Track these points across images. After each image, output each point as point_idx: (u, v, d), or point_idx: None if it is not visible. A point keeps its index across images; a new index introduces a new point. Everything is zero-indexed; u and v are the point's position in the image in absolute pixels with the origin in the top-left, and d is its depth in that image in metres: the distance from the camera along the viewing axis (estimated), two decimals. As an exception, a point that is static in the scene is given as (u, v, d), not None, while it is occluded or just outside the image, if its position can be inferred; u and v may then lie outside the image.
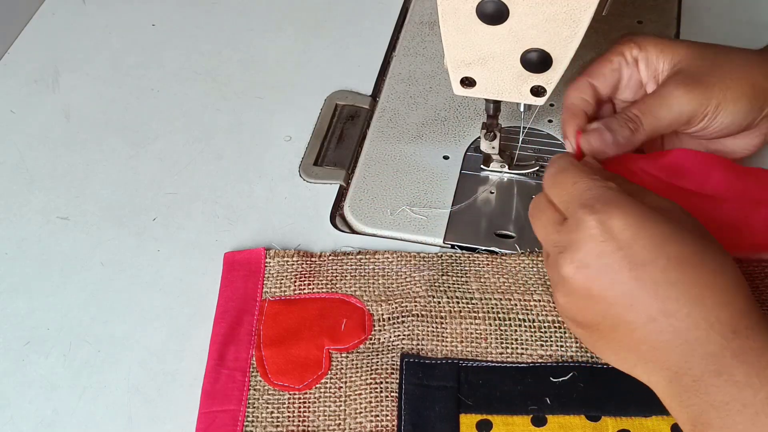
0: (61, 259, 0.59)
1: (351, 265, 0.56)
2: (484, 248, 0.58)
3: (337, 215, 0.61)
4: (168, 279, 0.58)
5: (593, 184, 0.46)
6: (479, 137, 0.61)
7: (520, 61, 0.52)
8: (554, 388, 0.49)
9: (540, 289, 0.54)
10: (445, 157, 0.63)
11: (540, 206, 0.49)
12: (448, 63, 0.54)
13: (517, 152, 0.62)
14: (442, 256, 0.56)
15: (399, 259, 0.56)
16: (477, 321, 0.52)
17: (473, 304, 0.53)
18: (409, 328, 0.52)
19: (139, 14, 0.76)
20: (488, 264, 0.55)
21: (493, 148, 0.60)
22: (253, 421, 0.49)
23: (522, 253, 0.56)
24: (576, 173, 0.47)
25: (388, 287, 0.55)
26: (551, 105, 0.66)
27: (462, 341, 0.52)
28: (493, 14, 0.49)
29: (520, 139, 0.62)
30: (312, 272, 0.55)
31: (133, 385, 0.52)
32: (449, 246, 0.58)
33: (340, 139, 0.66)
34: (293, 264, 0.56)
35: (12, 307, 0.57)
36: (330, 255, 0.57)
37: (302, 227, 0.60)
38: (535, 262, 0.55)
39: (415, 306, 0.53)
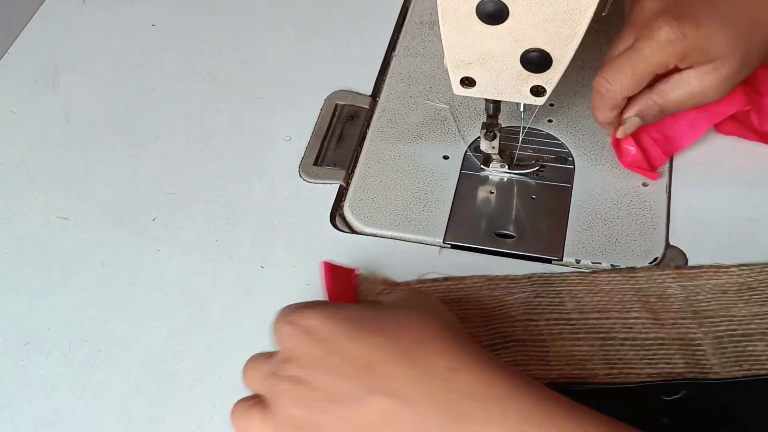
0: (61, 259, 0.59)
1: (440, 293, 0.54)
2: (484, 248, 0.58)
3: (337, 215, 0.61)
4: (168, 279, 0.58)
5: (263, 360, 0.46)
6: (479, 137, 0.61)
7: (519, 61, 0.52)
8: (667, 408, 0.47)
9: (637, 305, 0.52)
10: (445, 157, 0.63)
11: (241, 404, 0.45)
12: (447, 63, 0.54)
13: (517, 152, 0.62)
14: (531, 277, 0.54)
15: (488, 283, 0.54)
16: (579, 342, 0.51)
17: (572, 324, 0.51)
18: (512, 354, 0.50)
19: (139, 14, 0.76)
20: (580, 282, 0.54)
21: (493, 148, 0.60)
22: None
23: (613, 269, 0.55)
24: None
25: (482, 313, 0.53)
26: (551, 105, 0.66)
27: (568, 363, 0.50)
28: (493, 14, 0.49)
29: (520, 139, 0.62)
30: None
31: (133, 385, 0.52)
32: (449, 246, 0.58)
33: (340, 139, 0.66)
34: (380, 292, 0.53)
35: (12, 307, 0.57)
36: (416, 282, 0.55)
37: (302, 227, 0.60)
38: (627, 278, 0.53)
39: (514, 331, 0.51)
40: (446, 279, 0.55)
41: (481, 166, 0.62)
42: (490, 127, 0.59)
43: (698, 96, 0.55)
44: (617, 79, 0.55)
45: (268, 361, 0.45)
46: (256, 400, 0.44)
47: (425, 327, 0.43)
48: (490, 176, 0.62)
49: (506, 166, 0.62)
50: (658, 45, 0.53)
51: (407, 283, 0.55)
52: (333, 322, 0.43)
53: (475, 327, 0.52)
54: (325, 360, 0.42)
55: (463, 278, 0.55)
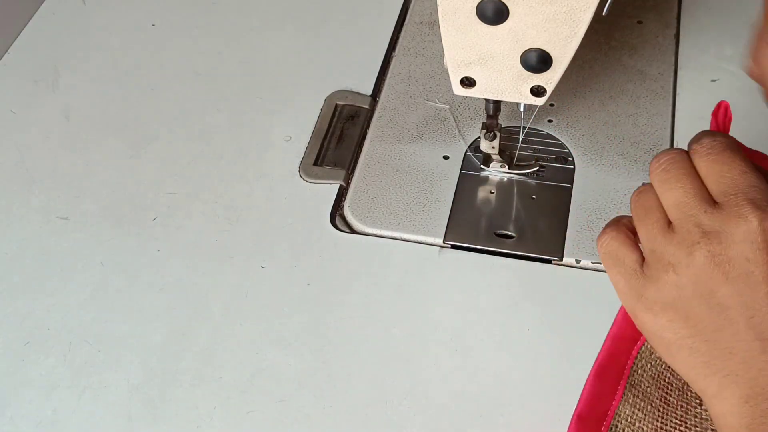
0: (61, 259, 0.59)
1: None
2: (484, 248, 0.58)
3: (337, 215, 0.61)
4: (168, 279, 0.58)
5: (764, 186, 0.42)
6: (479, 137, 0.61)
7: (520, 61, 0.52)
8: None
9: None
10: (445, 157, 0.63)
11: (685, 169, 0.43)
12: (447, 63, 0.54)
13: (517, 152, 0.62)
14: None
15: None
16: None
17: None
18: None
19: (139, 14, 0.76)
20: None
21: (493, 148, 0.60)
22: None
23: None
24: (746, 164, 0.43)
25: None
26: (551, 105, 0.66)
27: None
28: (493, 14, 0.49)
29: (520, 139, 0.62)
30: None
31: (133, 385, 0.52)
32: (449, 246, 0.58)
33: (340, 139, 0.66)
34: None
35: (12, 307, 0.57)
36: None
37: (302, 227, 0.60)
38: None
39: None
40: None
41: (481, 166, 0.62)
42: (490, 127, 0.59)
43: None
44: None
45: (703, 204, 0.42)
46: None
47: None
48: (490, 176, 0.62)
49: (506, 166, 0.62)
50: None
51: None
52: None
53: None
54: (754, 280, 0.40)
55: None
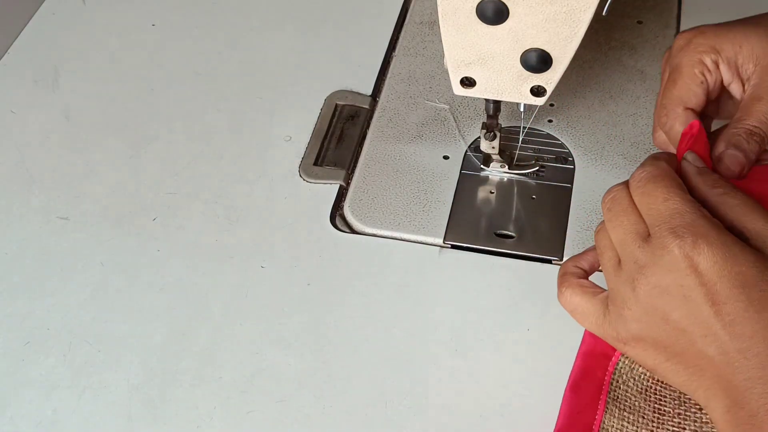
0: (61, 259, 0.59)
1: None
2: (484, 248, 0.58)
3: (337, 215, 0.61)
4: (168, 279, 0.58)
5: (685, 209, 0.44)
6: (479, 137, 0.61)
7: (520, 61, 0.52)
8: None
9: None
10: (445, 157, 0.63)
11: (623, 207, 0.46)
12: (447, 63, 0.54)
13: (517, 152, 0.62)
14: None
15: None
16: None
17: None
18: None
19: (139, 14, 0.76)
20: None
21: (493, 148, 0.60)
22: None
23: None
24: (670, 188, 0.45)
25: None
26: (551, 105, 0.66)
27: None
28: (493, 14, 0.49)
29: (520, 139, 0.62)
30: None
31: (133, 385, 0.52)
32: (449, 246, 0.58)
33: (340, 139, 0.66)
34: None
35: (12, 307, 0.57)
36: None
37: (302, 227, 0.60)
38: None
39: None
40: None
41: (481, 166, 0.62)
42: (490, 127, 0.59)
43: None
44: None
45: (635, 239, 0.45)
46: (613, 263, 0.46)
47: None
48: (490, 176, 0.62)
49: (506, 166, 0.62)
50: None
51: None
52: (723, 270, 0.42)
53: None
54: (696, 306, 0.42)
55: None
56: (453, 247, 0.58)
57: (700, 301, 0.42)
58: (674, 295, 0.43)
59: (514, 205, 0.61)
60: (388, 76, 0.70)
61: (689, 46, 0.54)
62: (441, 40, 0.52)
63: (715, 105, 0.55)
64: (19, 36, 0.75)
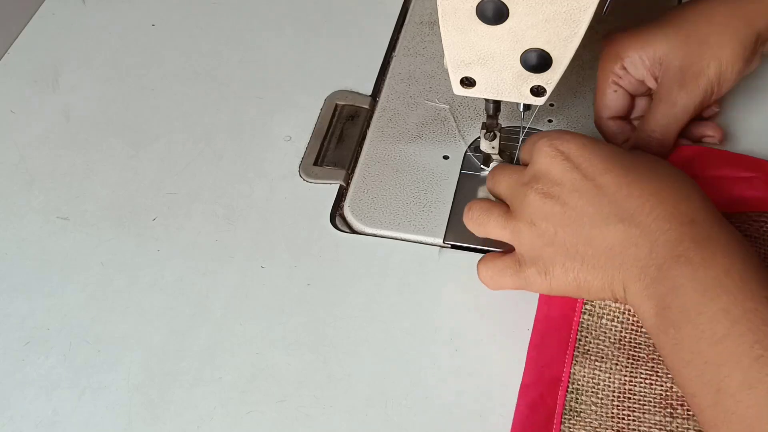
0: (61, 259, 0.59)
1: None
2: (484, 248, 0.58)
3: (337, 215, 0.61)
4: (168, 279, 0.58)
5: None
6: (479, 137, 0.61)
7: (519, 61, 0.52)
8: None
9: None
10: (445, 157, 0.63)
11: (485, 203, 0.53)
12: (447, 63, 0.54)
13: (518, 152, 0.62)
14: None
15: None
16: None
17: None
18: None
19: (139, 14, 0.76)
20: None
21: (493, 147, 0.60)
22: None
23: None
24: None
25: None
26: (551, 105, 0.66)
27: None
28: (493, 14, 0.49)
29: (521, 139, 0.62)
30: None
31: (133, 385, 0.52)
32: (449, 246, 0.58)
33: (340, 139, 0.66)
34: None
35: (12, 307, 0.57)
36: None
37: (302, 227, 0.60)
38: None
39: None
40: None
41: (481, 166, 0.62)
42: (490, 127, 0.59)
43: (669, 112, 0.57)
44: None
45: (518, 172, 0.51)
46: (497, 203, 0.52)
47: (688, 187, 0.48)
48: (490, 176, 0.62)
49: (506, 166, 0.62)
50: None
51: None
52: (592, 152, 0.48)
53: None
54: (579, 183, 0.48)
55: None
56: (453, 247, 0.58)
57: (581, 180, 0.48)
58: (563, 187, 0.48)
59: (514, 205, 0.60)
60: (388, 76, 0.70)
61: (601, 56, 0.60)
62: (441, 40, 0.52)
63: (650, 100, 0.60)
64: (19, 36, 0.75)
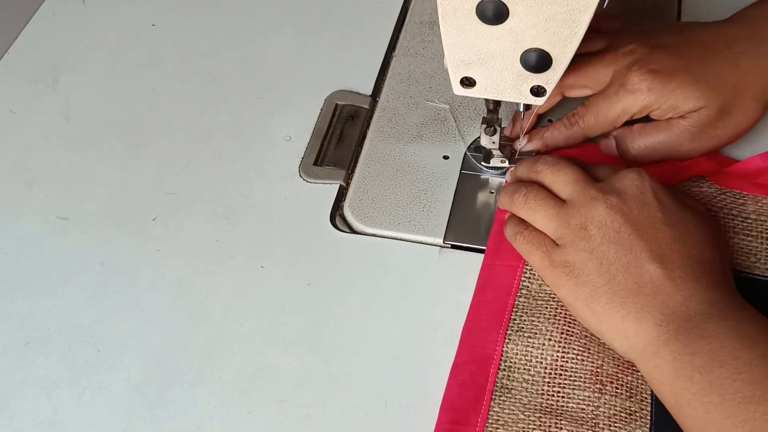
0: (61, 259, 0.59)
1: None
2: (484, 248, 0.58)
3: (337, 215, 0.61)
4: (168, 279, 0.58)
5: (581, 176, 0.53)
6: (479, 137, 0.61)
7: (519, 61, 0.52)
8: None
9: None
10: (445, 157, 0.63)
11: (541, 193, 0.53)
12: (447, 63, 0.54)
13: (518, 151, 0.62)
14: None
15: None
16: (749, 238, 0.55)
17: (748, 222, 0.56)
18: None
19: (139, 14, 0.76)
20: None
21: (494, 143, 0.60)
22: (529, 277, 0.54)
23: None
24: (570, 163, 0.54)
25: None
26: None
27: (733, 254, 0.55)
28: (493, 14, 0.49)
29: (521, 138, 0.62)
30: None
31: (133, 385, 0.52)
32: (449, 246, 0.58)
33: (340, 139, 0.66)
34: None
35: (12, 307, 0.57)
36: None
37: (302, 227, 0.60)
38: None
39: None
40: None
41: (482, 163, 0.62)
42: (491, 122, 0.59)
43: (667, 144, 0.58)
44: (583, 118, 0.59)
45: (587, 173, 0.53)
46: (553, 196, 0.53)
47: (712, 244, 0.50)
48: (490, 177, 0.62)
49: (507, 162, 0.62)
50: (625, 92, 0.57)
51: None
52: (666, 195, 0.51)
53: None
54: (647, 215, 0.50)
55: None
56: (453, 247, 0.58)
57: (654, 212, 0.50)
58: (631, 210, 0.50)
59: (514, 205, 0.60)
60: (388, 76, 0.70)
61: (634, 95, 0.58)
62: (441, 40, 0.52)
63: None
64: (19, 36, 0.75)
